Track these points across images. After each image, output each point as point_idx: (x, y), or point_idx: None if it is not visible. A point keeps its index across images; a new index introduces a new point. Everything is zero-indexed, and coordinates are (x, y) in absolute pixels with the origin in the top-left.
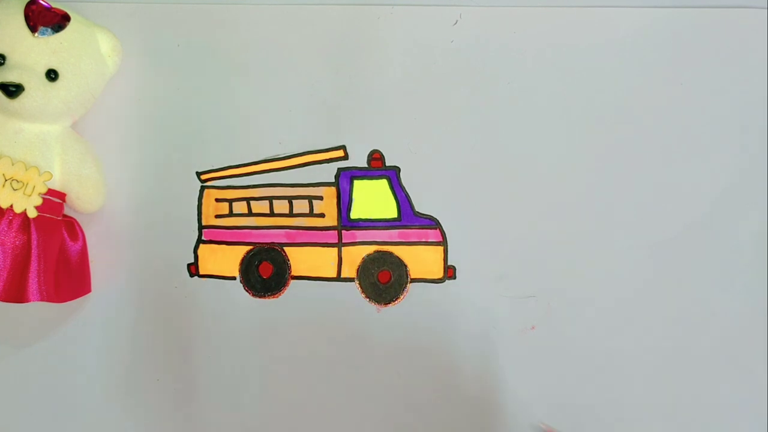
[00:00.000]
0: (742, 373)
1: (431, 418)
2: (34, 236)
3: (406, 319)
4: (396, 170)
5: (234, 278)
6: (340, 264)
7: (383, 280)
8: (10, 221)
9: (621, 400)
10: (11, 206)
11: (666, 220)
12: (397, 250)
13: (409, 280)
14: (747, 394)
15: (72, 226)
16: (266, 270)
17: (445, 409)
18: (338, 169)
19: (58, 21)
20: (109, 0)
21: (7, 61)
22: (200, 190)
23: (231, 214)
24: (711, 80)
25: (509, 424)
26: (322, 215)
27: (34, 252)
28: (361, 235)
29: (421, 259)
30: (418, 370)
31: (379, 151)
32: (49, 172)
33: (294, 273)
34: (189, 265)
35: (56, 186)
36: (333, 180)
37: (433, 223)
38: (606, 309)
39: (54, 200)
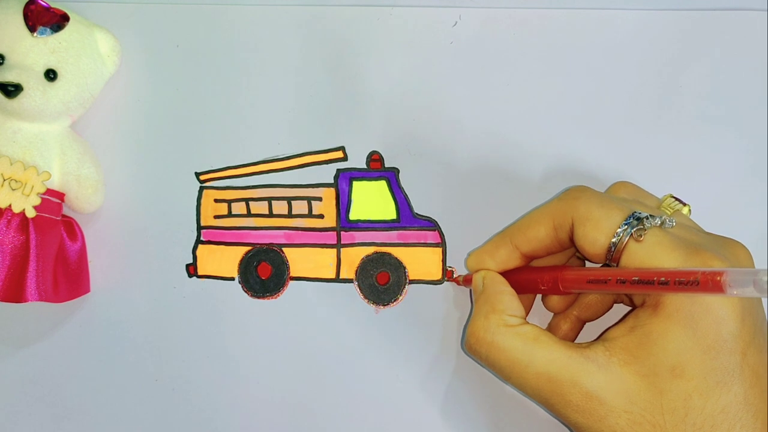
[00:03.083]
0: None
1: (431, 419)
2: (32, 236)
3: (404, 320)
4: (395, 171)
5: (233, 279)
6: (339, 265)
7: (382, 282)
8: (9, 221)
9: None
10: (9, 206)
11: None
12: (395, 252)
13: (407, 281)
14: None
15: (71, 226)
16: (265, 271)
17: (445, 411)
18: (337, 170)
19: (57, 21)
20: (109, 0)
21: (5, 61)
22: (199, 191)
23: (230, 214)
24: (710, 83)
25: (509, 424)
26: (321, 216)
27: (32, 252)
28: (359, 236)
29: (419, 261)
30: (416, 371)
31: (379, 152)
32: (47, 171)
33: (293, 274)
34: (188, 266)
35: (55, 186)
36: (332, 181)
37: (432, 224)
38: None
39: (53, 200)
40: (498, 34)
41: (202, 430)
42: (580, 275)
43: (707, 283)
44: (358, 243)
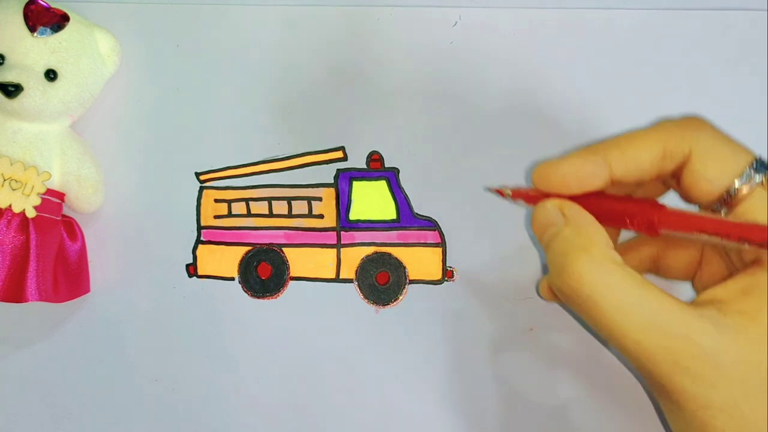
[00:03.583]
0: None
1: (431, 419)
2: (32, 236)
3: (404, 320)
4: (395, 171)
5: (233, 279)
6: (339, 265)
7: (382, 282)
8: (9, 221)
9: (624, 399)
10: (10, 206)
11: None
12: (395, 252)
13: (407, 281)
14: None
15: (71, 226)
16: (265, 271)
17: (445, 410)
18: (337, 170)
19: (57, 21)
20: (109, 0)
21: (6, 61)
22: (199, 191)
23: (230, 214)
24: (711, 83)
25: (509, 425)
26: (321, 216)
27: (32, 252)
28: (359, 236)
29: (419, 261)
30: (416, 371)
31: (379, 152)
32: (47, 172)
33: (293, 274)
34: (188, 266)
35: (55, 186)
36: (332, 181)
37: (432, 224)
38: None
39: (53, 200)
40: (498, 34)
41: (202, 430)
42: (690, 220)
43: None
44: (358, 243)
